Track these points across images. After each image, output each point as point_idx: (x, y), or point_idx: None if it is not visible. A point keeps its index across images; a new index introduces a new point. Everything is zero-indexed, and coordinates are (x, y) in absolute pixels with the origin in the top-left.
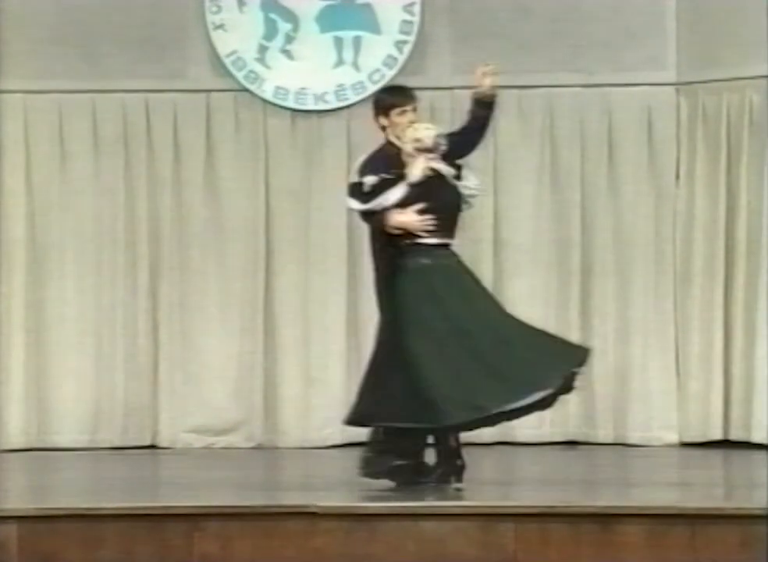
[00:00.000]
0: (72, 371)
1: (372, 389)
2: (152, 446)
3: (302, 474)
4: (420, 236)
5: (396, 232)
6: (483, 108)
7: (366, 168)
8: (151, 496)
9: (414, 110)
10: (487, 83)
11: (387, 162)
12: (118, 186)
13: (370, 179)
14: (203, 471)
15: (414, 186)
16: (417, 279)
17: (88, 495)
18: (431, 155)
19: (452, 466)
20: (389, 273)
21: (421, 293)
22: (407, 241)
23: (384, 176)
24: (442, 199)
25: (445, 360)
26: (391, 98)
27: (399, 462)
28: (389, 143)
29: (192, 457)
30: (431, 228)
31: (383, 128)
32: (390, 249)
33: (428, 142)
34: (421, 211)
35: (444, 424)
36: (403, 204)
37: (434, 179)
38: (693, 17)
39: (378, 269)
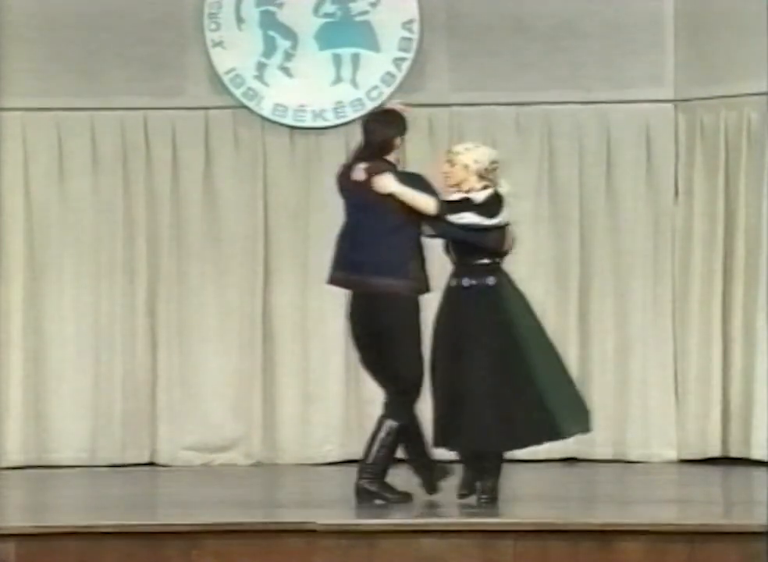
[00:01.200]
0: (71, 388)
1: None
2: (151, 464)
3: (301, 492)
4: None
5: (501, 250)
6: None
7: (425, 186)
8: (149, 514)
9: None
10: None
11: (425, 181)
12: (116, 203)
13: (479, 196)
14: (201, 489)
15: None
16: (513, 296)
17: (87, 513)
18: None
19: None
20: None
21: (519, 309)
22: (496, 260)
23: (494, 191)
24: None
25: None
26: (404, 121)
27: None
28: (392, 164)
29: (191, 475)
30: None
31: (392, 149)
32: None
33: (499, 163)
34: None
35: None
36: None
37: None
38: (691, 34)
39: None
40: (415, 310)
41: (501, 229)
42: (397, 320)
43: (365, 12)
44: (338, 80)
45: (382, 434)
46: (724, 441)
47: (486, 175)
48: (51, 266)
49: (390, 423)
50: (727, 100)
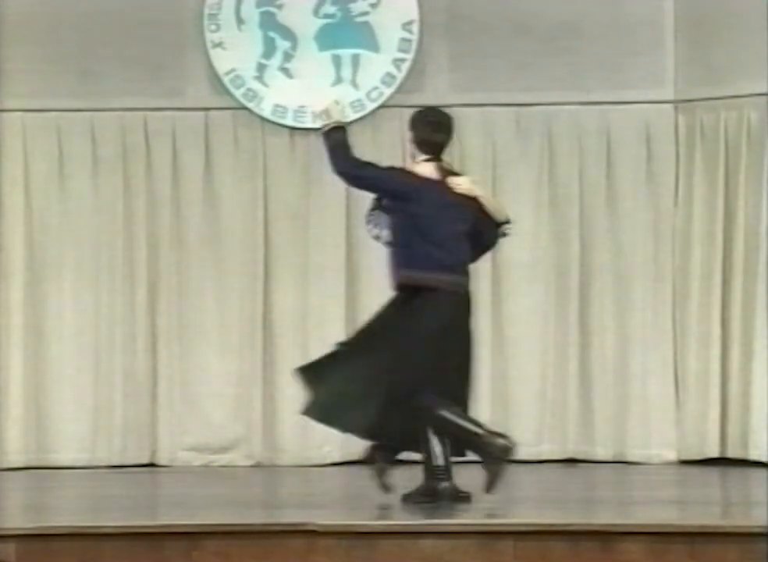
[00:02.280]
0: (71, 389)
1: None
2: (151, 465)
3: (301, 492)
4: None
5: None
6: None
7: None
8: (149, 515)
9: None
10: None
11: None
12: (116, 205)
13: None
14: (202, 489)
15: None
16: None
17: (87, 513)
18: None
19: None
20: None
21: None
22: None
23: None
24: None
25: None
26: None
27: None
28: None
29: (191, 475)
30: None
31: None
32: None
33: None
34: None
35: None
36: None
37: None
38: (691, 35)
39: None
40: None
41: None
42: (467, 317)
43: (365, 13)
44: (338, 80)
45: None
46: (723, 442)
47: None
48: (51, 267)
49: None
50: (726, 101)
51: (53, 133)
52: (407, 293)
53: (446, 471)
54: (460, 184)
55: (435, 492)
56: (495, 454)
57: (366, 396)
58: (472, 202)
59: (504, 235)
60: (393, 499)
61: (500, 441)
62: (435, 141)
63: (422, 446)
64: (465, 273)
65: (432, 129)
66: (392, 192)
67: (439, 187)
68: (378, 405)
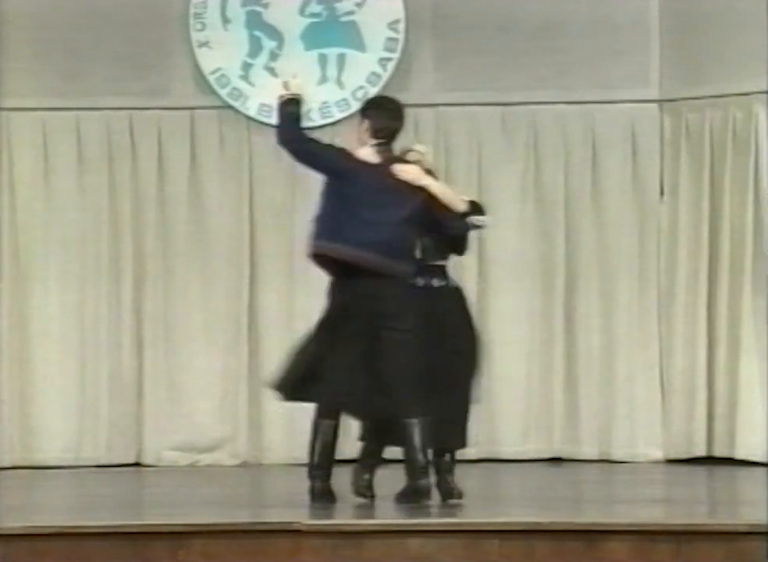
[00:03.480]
0: (57, 388)
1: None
2: (137, 464)
3: (287, 492)
4: None
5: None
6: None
7: None
8: (135, 514)
9: None
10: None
11: None
12: (102, 204)
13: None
14: (187, 489)
15: None
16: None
17: (73, 513)
18: None
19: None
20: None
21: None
22: (447, 262)
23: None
24: None
25: None
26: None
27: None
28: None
29: (177, 475)
30: None
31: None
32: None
33: None
34: None
35: None
36: None
37: None
38: (676, 35)
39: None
40: (413, 298)
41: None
42: (401, 306)
43: (351, 13)
44: (324, 79)
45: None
46: (709, 441)
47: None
48: (36, 266)
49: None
50: (711, 100)
51: (38, 132)
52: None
53: (427, 469)
54: (406, 171)
55: (420, 490)
56: (417, 489)
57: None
58: (416, 190)
59: (476, 227)
60: (378, 500)
61: (424, 483)
62: (393, 128)
63: (402, 443)
64: (404, 259)
65: (390, 117)
66: (329, 169)
67: (378, 171)
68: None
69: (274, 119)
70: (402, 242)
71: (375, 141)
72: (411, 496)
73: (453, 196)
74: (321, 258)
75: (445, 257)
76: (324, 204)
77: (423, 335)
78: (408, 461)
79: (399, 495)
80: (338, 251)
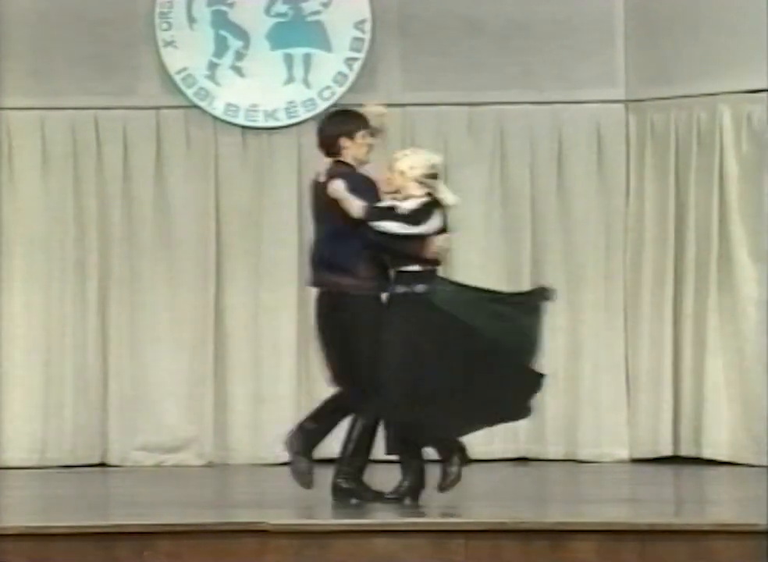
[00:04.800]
0: (21, 388)
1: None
2: (102, 464)
3: (253, 492)
4: (439, 263)
5: (423, 258)
6: None
7: (362, 191)
8: (100, 515)
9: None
10: (378, 121)
11: (372, 186)
12: (67, 203)
13: (409, 204)
14: (153, 489)
15: (444, 213)
16: (447, 303)
17: (37, 514)
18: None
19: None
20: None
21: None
22: (428, 268)
23: (426, 200)
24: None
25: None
26: (358, 121)
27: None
28: (347, 165)
29: (142, 475)
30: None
31: (339, 151)
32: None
33: (440, 168)
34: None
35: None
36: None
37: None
38: (642, 35)
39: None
40: (366, 309)
41: (423, 237)
42: (347, 318)
43: (317, 12)
44: (290, 79)
45: (350, 432)
46: (675, 440)
47: (425, 181)
48: (0, 266)
49: (357, 421)
50: (677, 100)
51: (2, 131)
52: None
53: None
54: (329, 187)
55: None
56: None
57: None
58: (335, 203)
59: (381, 234)
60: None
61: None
62: (320, 143)
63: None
64: (347, 273)
65: (317, 133)
66: None
67: (315, 189)
68: None
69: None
70: (339, 257)
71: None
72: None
73: (351, 204)
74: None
75: (421, 263)
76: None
77: (416, 341)
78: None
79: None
80: (307, 280)
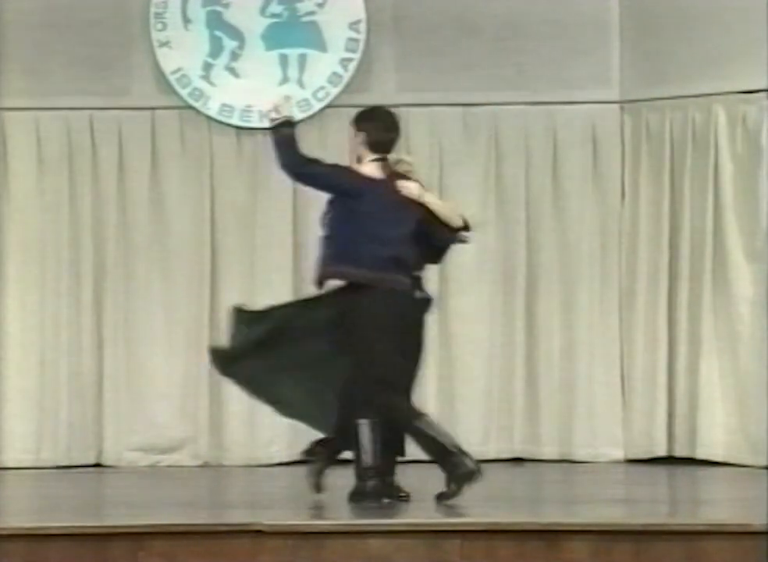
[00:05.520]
0: (16, 389)
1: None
2: (97, 465)
3: (248, 492)
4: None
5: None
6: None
7: None
8: (95, 515)
9: None
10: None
11: None
12: (62, 204)
13: None
14: (148, 490)
15: None
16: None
17: (32, 514)
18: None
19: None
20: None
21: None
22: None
23: None
24: None
25: None
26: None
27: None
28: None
29: (137, 476)
30: None
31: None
32: None
33: (408, 168)
34: None
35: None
36: None
37: None
38: (637, 36)
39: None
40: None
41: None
42: (419, 320)
43: (312, 13)
44: (285, 80)
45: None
46: (669, 441)
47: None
48: None
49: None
50: (672, 101)
51: None
52: (337, 291)
53: (374, 470)
54: (408, 188)
55: (364, 491)
56: (462, 475)
57: (324, 395)
58: (417, 206)
59: (462, 241)
60: (330, 499)
61: (469, 463)
62: (389, 141)
63: (352, 445)
64: (408, 274)
65: (386, 129)
66: (337, 189)
67: (384, 187)
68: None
69: (271, 145)
70: (409, 257)
71: (374, 156)
72: (360, 496)
73: (450, 212)
74: (330, 279)
75: (423, 269)
76: (337, 224)
77: (400, 341)
78: (355, 462)
79: (350, 494)
80: (357, 276)
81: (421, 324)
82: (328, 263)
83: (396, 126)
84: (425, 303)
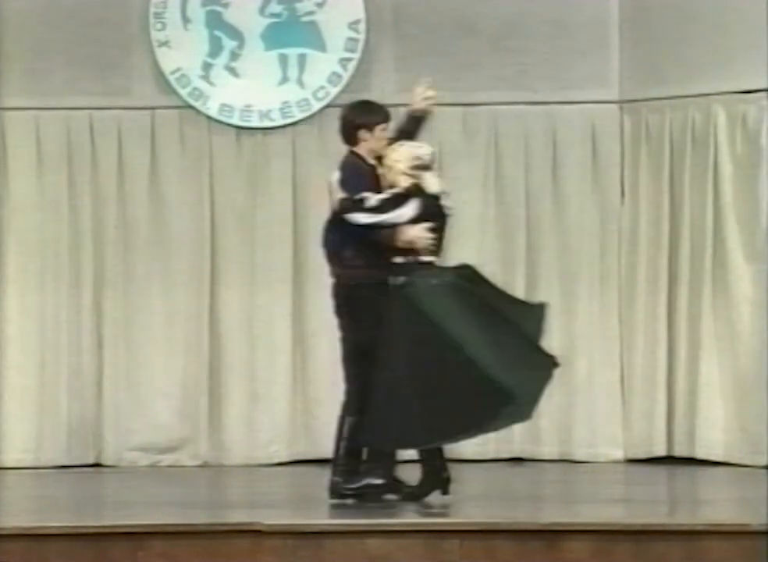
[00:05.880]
0: (16, 389)
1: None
2: (97, 465)
3: (247, 492)
4: (421, 254)
5: (402, 248)
6: (415, 124)
7: (351, 183)
8: (95, 515)
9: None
10: (425, 103)
11: (367, 178)
12: (62, 204)
13: (379, 195)
14: (147, 490)
15: (425, 204)
16: (432, 295)
17: (32, 514)
18: (429, 173)
19: (439, 479)
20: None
21: (441, 308)
22: (409, 258)
23: (397, 190)
24: (440, 217)
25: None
26: (379, 114)
27: (376, 481)
28: (358, 157)
29: (137, 476)
30: (433, 246)
31: (357, 142)
32: (378, 267)
33: (428, 160)
34: (429, 229)
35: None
36: (414, 220)
37: (432, 197)
38: (636, 35)
39: (355, 287)
40: (353, 298)
41: (394, 226)
42: (338, 308)
43: (311, 13)
44: (284, 80)
45: (340, 430)
46: (669, 441)
47: (412, 173)
48: None
49: (345, 418)
50: (671, 101)
51: None
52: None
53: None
54: (330, 178)
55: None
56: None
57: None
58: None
59: (359, 225)
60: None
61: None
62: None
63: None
64: (334, 262)
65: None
66: None
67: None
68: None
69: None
70: (330, 245)
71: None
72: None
73: (335, 195)
74: None
75: (403, 253)
76: None
77: (387, 335)
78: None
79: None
80: None
81: (389, 311)
82: None
83: (342, 116)
84: (396, 290)
